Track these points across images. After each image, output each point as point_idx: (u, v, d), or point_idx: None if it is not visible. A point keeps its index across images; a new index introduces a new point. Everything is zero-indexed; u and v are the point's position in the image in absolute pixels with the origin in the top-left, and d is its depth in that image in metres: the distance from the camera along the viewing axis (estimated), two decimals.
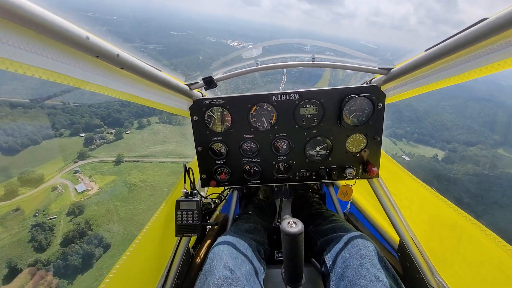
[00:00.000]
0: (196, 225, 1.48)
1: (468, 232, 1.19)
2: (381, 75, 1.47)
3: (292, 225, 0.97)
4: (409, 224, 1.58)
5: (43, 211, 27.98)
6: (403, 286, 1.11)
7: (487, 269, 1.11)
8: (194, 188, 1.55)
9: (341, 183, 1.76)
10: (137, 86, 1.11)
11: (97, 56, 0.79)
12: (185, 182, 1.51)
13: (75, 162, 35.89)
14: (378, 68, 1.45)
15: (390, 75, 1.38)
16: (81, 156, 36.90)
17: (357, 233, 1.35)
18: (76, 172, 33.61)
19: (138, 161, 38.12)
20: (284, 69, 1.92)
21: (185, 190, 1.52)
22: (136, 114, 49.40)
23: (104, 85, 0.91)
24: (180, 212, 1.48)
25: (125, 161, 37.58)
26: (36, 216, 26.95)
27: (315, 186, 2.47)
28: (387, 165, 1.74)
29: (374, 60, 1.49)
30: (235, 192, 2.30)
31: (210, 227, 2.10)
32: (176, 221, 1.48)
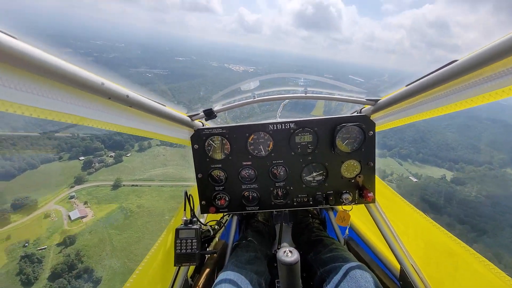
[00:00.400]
0: (195, 254, 1.48)
1: (463, 260, 1.22)
2: (369, 106, 1.57)
3: (288, 254, 0.98)
4: (408, 251, 1.59)
5: (34, 240, 26.44)
6: None
7: None
8: (194, 216, 1.57)
9: (339, 208, 1.78)
10: (143, 121, 1.23)
11: (109, 98, 0.91)
12: (185, 210, 1.54)
13: (71, 187, 34.86)
14: (366, 99, 1.57)
15: (377, 106, 1.48)
16: (78, 181, 35.94)
17: (356, 263, 1.36)
18: (71, 197, 32.46)
19: (137, 185, 37.01)
20: (286, 100, 1.97)
21: (184, 218, 1.54)
22: (137, 136, 49.02)
23: (114, 122, 1.02)
24: (180, 241, 1.48)
25: (123, 185, 36.49)
26: (25, 246, 25.42)
27: (315, 211, 2.45)
28: (382, 191, 1.79)
29: (362, 91, 1.61)
30: (235, 218, 2.27)
31: (209, 255, 2.05)
32: (176, 249, 1.48)
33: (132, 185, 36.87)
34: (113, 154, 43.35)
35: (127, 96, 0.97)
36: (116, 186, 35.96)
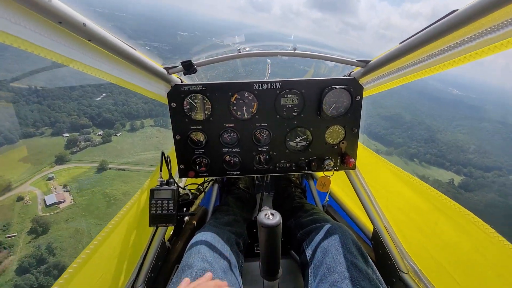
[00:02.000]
0: (172, 215, 1.43)
1: (446, 215, 1.22)
2: (359, 68, 1.51)
3: (269, 216, 0.94)
4: (384, 213, 1.63)
5: (3, 226, 23.67)
6: (378, 272, 1.15)
7: (463, 249, 1.15)
8: (171, 177, 1.50)
9: (320, 174, 1.77)
10: (109, 63, 1.03)
11: (60, 23, 0.73)
12: (161, 171, 1.47)
13: (52, 166, 31.73)
14: (356, 60, 1.50)
15: (368, 68, 1.42)
16: (60, 160, 32.75)
17: (336, 223, 1.39)
18: (49, 179, 29.40)
19: (124, 169, 33.91)
20: (268, 60, 1.72)
21: (160, 179, 1.47)
22: (130, 115, 45.45)
23: (67, 55, 0.84)
24: (155, 201, 1.42)
25: (109, 168, 33.40)
26: None
27: (297, 181, 2.39)
28: (365, 155, 1.77)
29: (353, 54, 1.53)
30: (215, 186, 2.32)
31: (187, 219, 2.03)
32: (150, 210, 1.42)
33: (119, 169, 33.76)
34: (101, 132, 39.85)
35: (84, 24, 0.77)
36: (101, 168, 32.84)
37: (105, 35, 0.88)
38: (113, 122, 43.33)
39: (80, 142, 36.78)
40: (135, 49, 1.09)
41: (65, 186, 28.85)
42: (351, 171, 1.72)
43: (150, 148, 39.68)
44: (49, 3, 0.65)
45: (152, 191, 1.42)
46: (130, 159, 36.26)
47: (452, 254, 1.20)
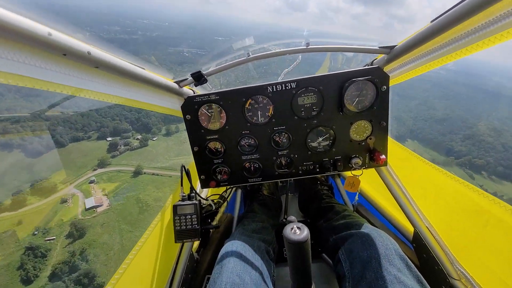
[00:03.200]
0: (196, 230, 1.43)
1: (496, 217, 1.11)
2: (383, 55, 1.38)
3: (296, 231, 0.86)
4: (423, 213, 1.51)
5: (44, 228, 25.07)
6: (427, 285, 1.03)
7: None
8: (193, 190, 1.51)
9: (348, 173, 1.65)
10: (118, 86, 1.03)
11: (64, 55, 0.74)
12: (182, 185, 1.48)
13: (94, 169, 33.45)
14: (379, 47, 1.35)
15: (393, 54, 1.29)
16: (101, 164, 34.44)
17: (374, 229, 1.26)
18: (91, 182, 30.84)
19: (157, 174, 34.17)
20: (299, 57, 1.73)
21: (182, 194, 1.47)
22: (166, 119, 46.63)
23: (76, 85, 0.84)
24: (178, 217, 1.42)
25: (144, 172, 33.97)
26: (35, 234, 24.15)
27: (322, 178, 2.25)
28: (396, 151, 1.67)
29: (375, 40, 1.39)
30: (239, 191, 2.22)
31: (214, 229, 1.96)
32: (175, 226, 1.42)
33: (153, 174, 34.15)
34: (139, 136, 41.36)
35: (89, 52, 0.77)
36: (136, 173, 33.57)
37: (111, 59, 0.88)
38: (150, 127, 44.78)
39: (120, 146, 38.49)
40: (144, 68, 1.11)
41: (103, 189, 29.89)
42: (382, 168, 1.62)
43: (183, 152, 39.68)
44: (50, 37, 0.66)
45: (175, 207, 1.43)
46: (164, 164, 36.55)
47: (505, 261, 1.08)
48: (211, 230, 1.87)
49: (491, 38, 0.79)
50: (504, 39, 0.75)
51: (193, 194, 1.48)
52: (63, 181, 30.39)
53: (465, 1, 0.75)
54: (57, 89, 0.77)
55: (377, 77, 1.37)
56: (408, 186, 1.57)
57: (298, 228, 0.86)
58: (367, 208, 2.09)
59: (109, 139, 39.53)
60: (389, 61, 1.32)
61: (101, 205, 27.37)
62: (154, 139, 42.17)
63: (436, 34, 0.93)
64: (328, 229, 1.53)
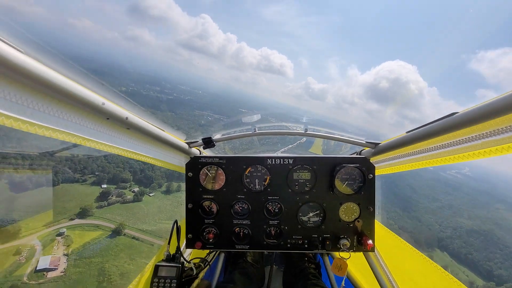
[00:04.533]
0: None
1: None
2: (369, 148, 1.56)
3: None
4: None
5: None
6: None
7: None
8: (178, 251, 1.46)
9: (336, 254, 1.68)
10: (140, 144, 1.23)
11: (108, 118, 0.92)
12: (169, 244, 1.45)
13: (71, 219, 29.33)
14: (366, 142, 1.57)
15: (378, 149, 1.47)
16: (83, 213, 30.46)
17: None
18: (60, 234, 26.26)
19: (137, 239, 29.05)
20: (303, 139, 1.92)
21: (167, 252, 1.43)
22: (170, 176, 44.32)
23: (111, 143, 1.02)
24: (158, 279, 1.35)
25: (124, 234, 29.12)
26: None
27: (310, 254, 2.21)
28: (384, 236, 1.70)
29: (361, 134, 1.61)
30: (222, 255, 2.17)
31: None
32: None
33: (133, 237, 29.12)
34: (136, 189, 38.26)
35: (126, 118, 0.97)
36: (116, 232, 28.85)
37: (140, 122, 1.07)
38: (152, 180, 42.15)
39: (112, 196, 35.19)
40: (164, 130, 1.26)
41: (68, 247, 24.91)
42: (370, 254, 1.64)
43: (176, 216, 35.19)
44: (101, 106, 0.83)
45: (157, 267, 1.36)
46: (151, 227, 31.76)
47: None
48: None
49: (460, 155, 0.96)
50: (471, 158, 0.92)
51: (177, 255, 1.43)
52: (31, 227, 26.14)
53: (431, 124, 0.95)
54: (98, 146, 0.93)
55: (364, 166, 1.54)
56: (397, 276, 1.55)
57: None
58: None
59: (104, 186, 36.73)
60: (374, 154, 1.51)
61: (54, 269, 22.01)
62: (150, 194, 38.77)
63: (409, 143, 1.13)
64: None
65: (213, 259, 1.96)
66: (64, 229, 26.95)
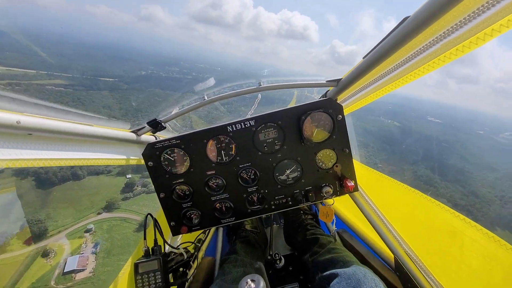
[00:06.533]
0: None
1: (469, 237, 1.13)
2: (333, 88, 1.48)
3: (250, 285, 0.88)
4: (402, 237, 1.49)
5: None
6: None
7: (499, 277, 1.05)
8: (156, 244, 1.41)
9: (325, 202, 1.67)
10: (58, 148, 0.99)
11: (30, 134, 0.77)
12: (145, 239, 1.40)
13: (99, 213, 28.52)
14: (326, 81, 1.47)
15: (340, 86, 1.39)
16: (109, 207, 29.56)
17: (358, 269, 1.26)
18: (88, 231, 25.47)
19: None
20: (259, 96, 1.83)
21: (145, 248, 1.37)
22: None
23: (11, 157, 0.81)
24: (140, 277, 1.30)
25: None
26: None
27: (305, 207, 2.22)
28: (366, 174, 1.69)
29: (324, 76, 1.50)
30: (220, 230, 2.20)
31: (191, 279, 1.72)
32: (137, 287, 1.29)
33: None
34: None
35: (18, 122, 0.79)
36: (142, 225, 27.48)
37: (44, 123, 0.85)
38: None
39: (137, 186, 33.93)
40: (92, 125, 1.08)
41: (95, 246, 23.96)
42: (355, 194, 1.65)
43: None
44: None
45: (136, 265, 1.32)
46: None
47: (488, 284, 1.08)
48: (186, 281, 1.67)
49: (421, 69, 0.88)
50: (432, 69, 0.85)
51: (155, 248, 1.38)
52: (59, 225, 25.63)
53: (386, 39, 0.83)
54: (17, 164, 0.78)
55: (331, 108, 1.44)
56: (383, 209, 1.58)
57: (253, 280, 0.88)
58: (351, 234, 2.07)
59: (128, 176, 35.60)
60: (338, 92, 1.43)
61: (82, 270, 21.09)
62: None
63: (369, 69, 1.03)
64: (314, 266, 1.51)
65: (208, 237, 1.97)
66: (92, 225, 26.17)
